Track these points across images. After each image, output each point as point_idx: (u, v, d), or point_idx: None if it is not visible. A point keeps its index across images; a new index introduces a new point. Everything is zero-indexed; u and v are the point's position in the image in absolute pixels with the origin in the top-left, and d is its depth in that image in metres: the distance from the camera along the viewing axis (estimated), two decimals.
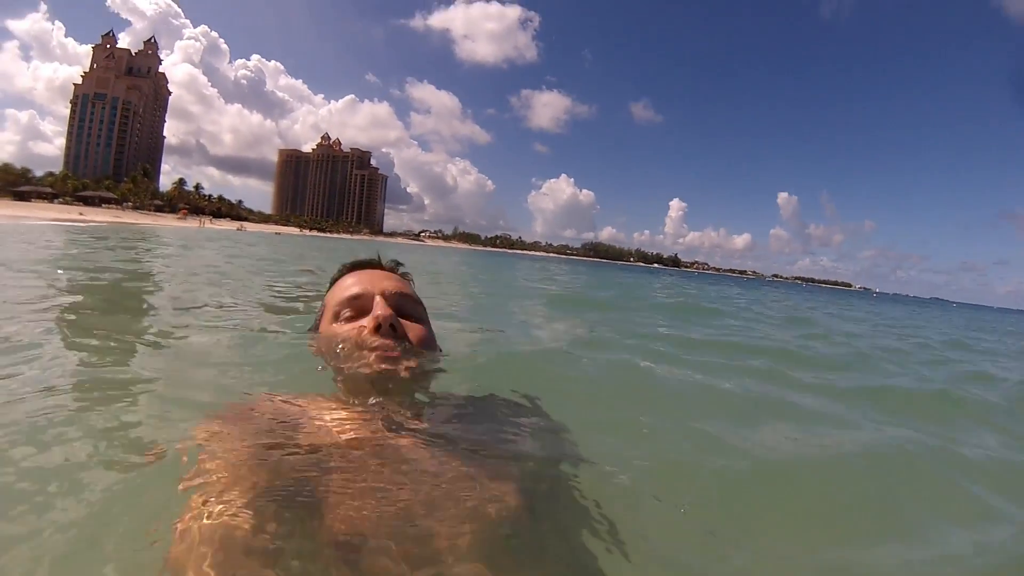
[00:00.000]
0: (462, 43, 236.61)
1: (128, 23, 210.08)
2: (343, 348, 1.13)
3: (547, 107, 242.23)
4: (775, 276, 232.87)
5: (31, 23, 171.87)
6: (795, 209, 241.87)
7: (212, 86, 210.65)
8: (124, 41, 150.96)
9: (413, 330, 1.18)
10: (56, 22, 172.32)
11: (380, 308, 1.14)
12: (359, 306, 1.18)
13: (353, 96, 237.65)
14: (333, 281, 1.30)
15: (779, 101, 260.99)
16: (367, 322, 1.12)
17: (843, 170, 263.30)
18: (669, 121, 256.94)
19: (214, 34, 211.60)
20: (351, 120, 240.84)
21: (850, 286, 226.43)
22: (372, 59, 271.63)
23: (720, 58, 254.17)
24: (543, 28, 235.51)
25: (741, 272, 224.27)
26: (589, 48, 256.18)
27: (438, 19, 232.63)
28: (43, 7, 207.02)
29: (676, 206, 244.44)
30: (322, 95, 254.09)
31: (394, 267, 1.36)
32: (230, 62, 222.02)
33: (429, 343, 1.22)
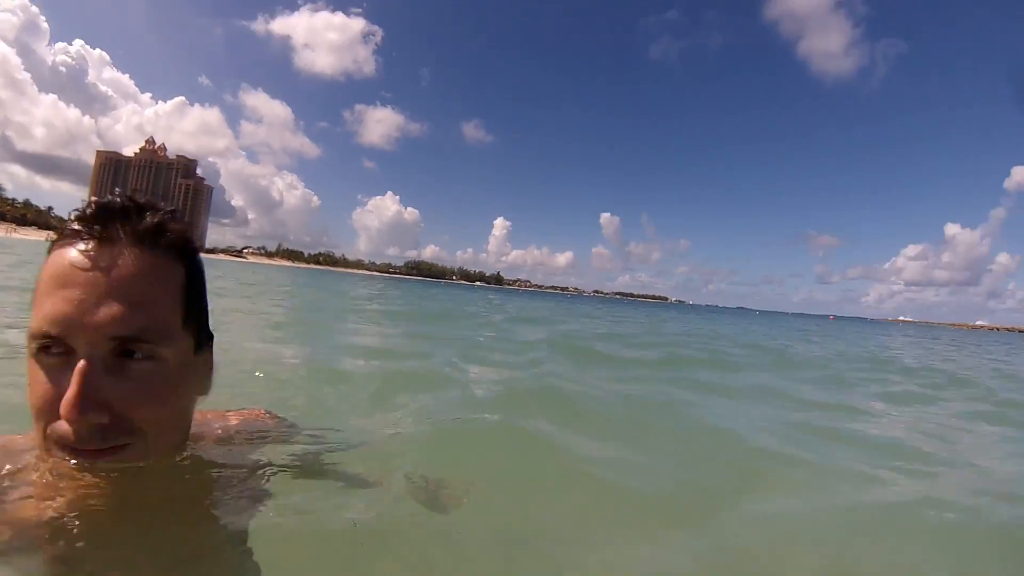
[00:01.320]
0: (302, 52, 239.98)
1: None
2: (35, 408, 0.75)
3: (380, 123, 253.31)
4: (596, 292, 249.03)
5: None
6: (617, 228, 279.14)
7: (26, 70, 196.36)
8: None
9: (136, 394, 0.75)
10: None
11: (76, 385, 0.70)
12: (59, 348, 0.73)
13: (183, 98, 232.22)
14: (49, 252, 0.77)
15: (603, 127, 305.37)
16: (62, 403, 0.70)
17: (662, 192, 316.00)
18: (498, 142, 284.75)
19: (34, 9, 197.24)
20: (179, 124, 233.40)
21: (667, 299, 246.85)
22: (207, 60, 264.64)
23: (550, 85, 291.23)
24: (384, 43, 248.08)
25: (563, 288, 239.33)
26: (427, 67, 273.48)
27: (280, 24, 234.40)
28: None
29: (500, 225, 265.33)
30: (150, 94, 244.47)
31: (144, 236, 0.77)
32: (49, 44, 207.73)
33: (160, 414, 0.79)
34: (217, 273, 21.29)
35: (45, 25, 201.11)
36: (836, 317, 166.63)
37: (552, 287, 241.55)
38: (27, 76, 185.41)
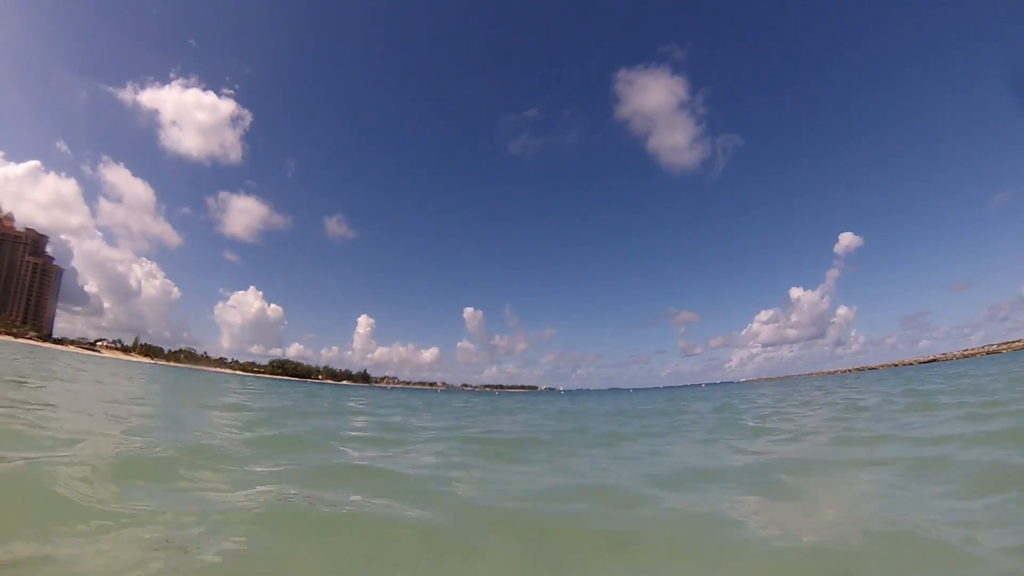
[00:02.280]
0: (169, 129, 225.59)
1: None
2: None
3: (244, 213, 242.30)
4: (464, 385, 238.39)
5: None
6: (481, 322, 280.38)
7: None
8: None
9: None
10: None
11: None
12: None
13: (39, 163, 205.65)
14: None
15: (465, 222, 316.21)
16: None
17: (524, 284, 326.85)
18: (361, 238, 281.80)
19: None
20: (31, 193, 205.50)
21: (536, 388, 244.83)
22: (68, 124, 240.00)
23: (413, 180, 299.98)
24: (252, 129, 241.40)
25: (432, 384, 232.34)
26: (293, 157, 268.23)
27: (149, 96, 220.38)
28: None
29: (364, 322, 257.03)
30: (2, 152, 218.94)
31: None
32: None
33: None
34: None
35: None
36: (706, 384, 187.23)
37: (420, 383, 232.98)
38: None
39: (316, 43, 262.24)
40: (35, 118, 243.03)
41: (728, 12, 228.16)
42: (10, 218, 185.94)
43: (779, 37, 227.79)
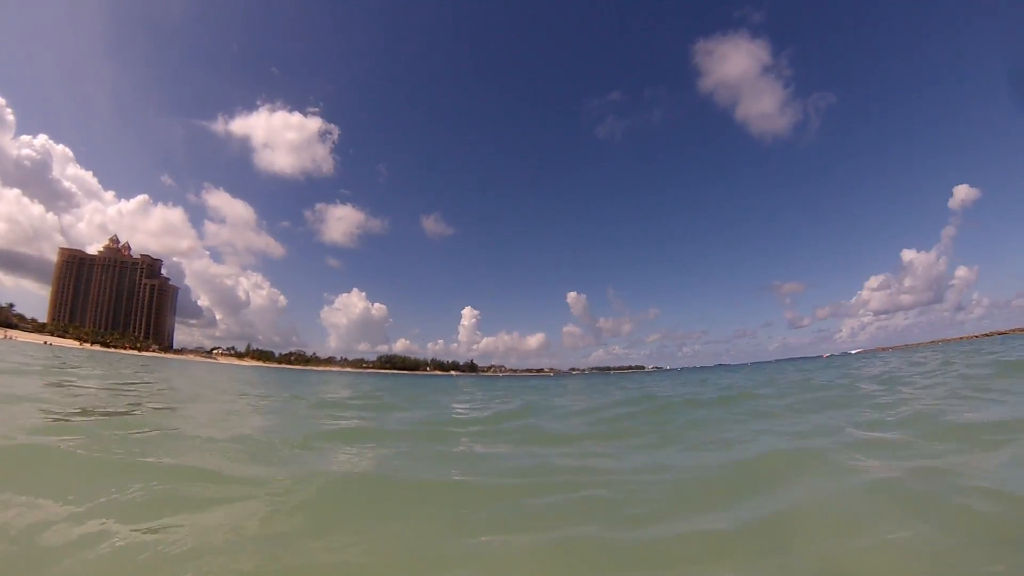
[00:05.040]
0: (262, 152, 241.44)
1: None
2: None
3: (341, 221, 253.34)
4: (572, 369, 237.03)
5: None
6: (584, 306, 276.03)
7: None
8: None
9: None
10: None
11: None
12: None
13: (147, 197, 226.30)
14: None
15: (561, 209, 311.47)
16: None
17: (626, 266, 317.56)
18: (460, 234, 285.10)
19: (1, 100, 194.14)
20: (143, 224, 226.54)
21: (643, 368, 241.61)
22: (169, 159, 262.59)
23: (505, 172, 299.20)
24: (341, 141, 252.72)
25: (539, 370, 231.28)
26: (384, 163, 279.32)
27: (239, 125, 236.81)
28: None
29: (468, 314, 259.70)
30: (113, 192, 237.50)
31: None
32: (14, 137, 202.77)
33: None
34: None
35: (11, 117, 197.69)
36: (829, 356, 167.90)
37: (527, 370, 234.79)
38: None
39: (391, 51, 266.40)
40: (140, 157, 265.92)
41: None
42: (127, 247, 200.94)
43: None
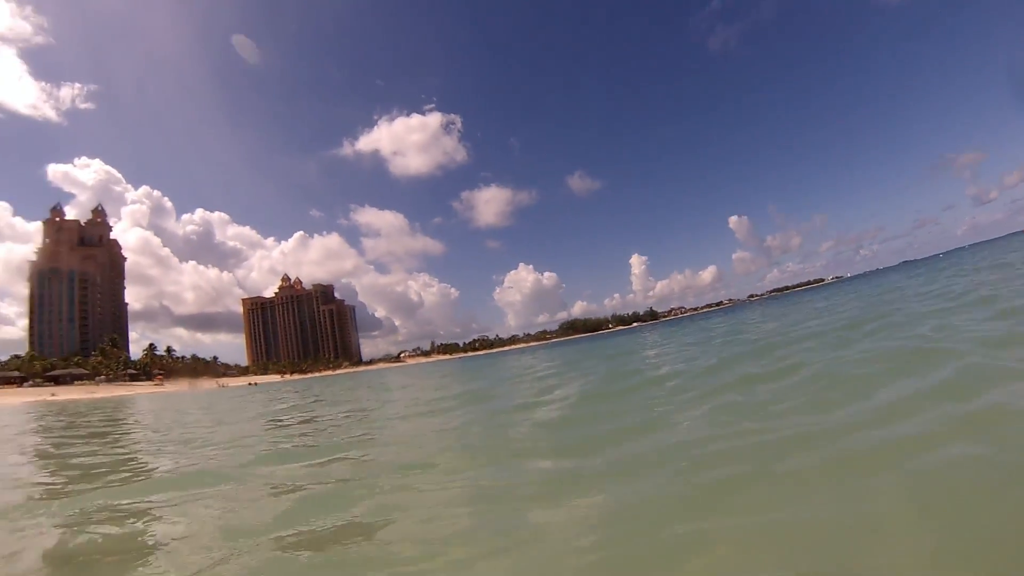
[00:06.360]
0: (393, 160, 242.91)
1: (72, 195, 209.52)
2: None
3: (489, 203, 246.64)
4: (751, 296, 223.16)
5: None
6: (748, 228, 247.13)
7: (164, 246, 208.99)
8: (72, 213, 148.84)
9: None
10: (1, 202, 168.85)
11: None
12: None
13: (302, 232, 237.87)
14: None
15: (699, 136, 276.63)
16: None
17: (780, 177, 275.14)
18: (607, 184, 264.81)
19: (157, 193, 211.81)
20: (305, 257, 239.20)
21: (823, 280, 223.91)
22: (312, 194, 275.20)
23: (636, 114, 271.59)
24: (466, 127, 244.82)
25: (718, 304, 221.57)
26: (513, 136, 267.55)
27: (365, 142, 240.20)
28: None
29: (637, 262, 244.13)
30: (272, 237, 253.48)
31: None
32: (177, 219, 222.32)
33: None
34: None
35: (169, 204, 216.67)
36: None
37: (707, 306, 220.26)
38: (167, 251, 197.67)
39: (485, 26, 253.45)
40: (285, 200, 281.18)
41: None
42: (298, 282, 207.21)
43: None
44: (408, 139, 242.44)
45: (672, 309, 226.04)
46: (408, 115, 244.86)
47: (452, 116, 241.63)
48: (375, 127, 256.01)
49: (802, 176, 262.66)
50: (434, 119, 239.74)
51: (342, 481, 4.32)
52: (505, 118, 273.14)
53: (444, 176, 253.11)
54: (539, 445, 4.99)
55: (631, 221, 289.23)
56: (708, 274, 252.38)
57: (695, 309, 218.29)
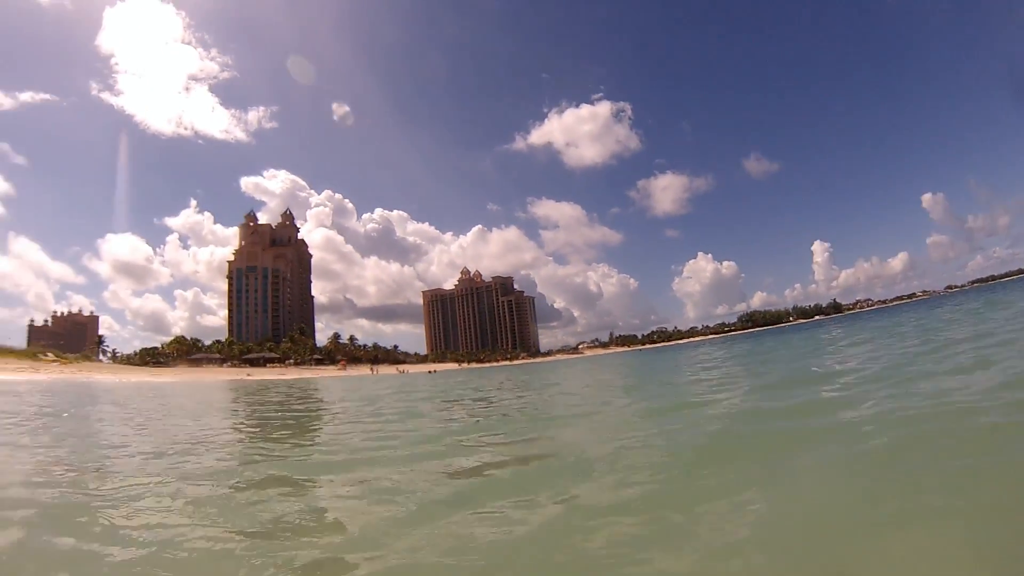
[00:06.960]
0: (567, 152, 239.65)
1: (263, 203, 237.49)
2: None
3: (666, 190, 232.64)
4: (949, 287, 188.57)
5: (185, 218, 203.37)
6: (944, 207, 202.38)
7: (347, 243, 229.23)
8: (263, 218, 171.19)
9: None
10: (205, 213, 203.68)
11: None
12: None
13: (481, 226, 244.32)
14: None
15: (880, 108, 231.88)
16: None
17: (981, 146, 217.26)
18: (786, 166, 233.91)
19: (338, 196, 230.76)
20: (484, 250, 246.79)
21: None
22: (488, 189, 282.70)
23: (809, 90, 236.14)
24: (636, 114, 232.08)
25: (910, 296, 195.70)
26: (685, 119, 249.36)
27: (537, 135, 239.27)
28: (192, 202, 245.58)
29: (819, 249, 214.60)
30: (450, 232, 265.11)
31: None
32: (358, 219, 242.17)
33: None
34: None
35: (350, 205, 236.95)
36: None
37: (897, 298, 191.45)
38: (350, 248, 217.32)
39: (642, 7, 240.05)
40: (462, 197, 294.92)
41: None
42: (478, 275, 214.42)
43: None
44: (580, 130, 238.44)
45: (857, 301, 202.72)
46: (577, 106, 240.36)
47: (622, 104, 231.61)
48: (546, 120, 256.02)
49: (1012, 143, 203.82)
50: (604, 108, 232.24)
51: None
52: (675, 101, 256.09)
53: (619, 165, 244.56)
54: None
55: (812, 204, 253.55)
56: (898, 262, 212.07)
57: (883, 302, 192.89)
